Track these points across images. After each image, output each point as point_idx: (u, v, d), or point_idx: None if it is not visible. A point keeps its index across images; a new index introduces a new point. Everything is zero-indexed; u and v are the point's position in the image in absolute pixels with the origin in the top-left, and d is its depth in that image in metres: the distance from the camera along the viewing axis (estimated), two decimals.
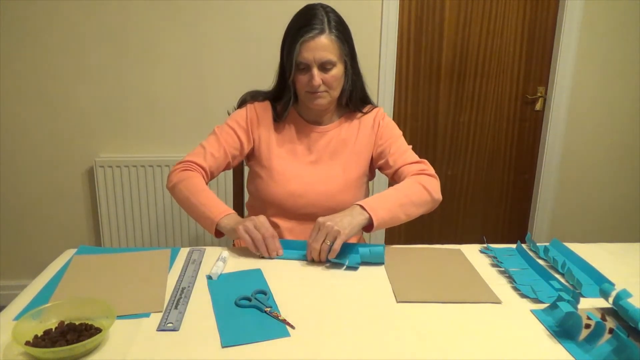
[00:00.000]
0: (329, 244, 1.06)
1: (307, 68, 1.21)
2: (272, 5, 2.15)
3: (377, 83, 2.33)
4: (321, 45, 1.19)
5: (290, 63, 1.21)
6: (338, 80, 1.25)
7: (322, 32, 1.19)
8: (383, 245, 1.12)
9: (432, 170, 1.29)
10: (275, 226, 1.31)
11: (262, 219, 1.13)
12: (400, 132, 1.38)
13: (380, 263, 1.10)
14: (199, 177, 1.26)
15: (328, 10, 1.23)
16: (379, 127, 1.36)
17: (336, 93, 1.27)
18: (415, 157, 1.32)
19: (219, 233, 1.17)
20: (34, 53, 2.10)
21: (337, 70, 1.23)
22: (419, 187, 1.23)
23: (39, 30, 2.08)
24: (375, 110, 1.38)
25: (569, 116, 2.50)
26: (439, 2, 2.34)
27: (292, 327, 0.84)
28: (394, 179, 1.33)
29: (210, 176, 1.31)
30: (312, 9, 1.22)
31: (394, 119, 2.43)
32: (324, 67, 1.21)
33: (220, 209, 1.17)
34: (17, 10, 2.04)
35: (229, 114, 1.41)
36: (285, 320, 0.86)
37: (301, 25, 1.20)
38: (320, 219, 1.09)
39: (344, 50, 1.23)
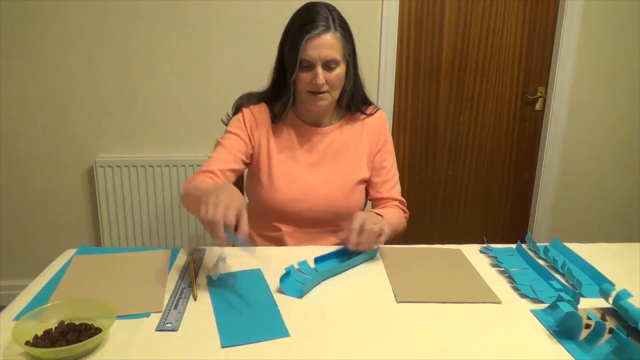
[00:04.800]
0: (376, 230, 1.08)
1: (310, 66, 1.17)
2: (275, 6, 2.15)
3: (377, 83, 2.32)
4: (327, 43, 1.15)
5: (293, 60, 1.17)
6: (340, 80, 1.22)
7: (327, 29, 1.15)
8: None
9: (407, 212, 1.38)
10: (276, 230, 1.29)
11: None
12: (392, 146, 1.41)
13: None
14: (207, 178, 1.20)
15: (330, 8, 1.20)
16: (383, 142, 1.35)
17: (337, 94, 1.24)
18: (400, 195, 1.38)
19: None
20: (34, 53, 2.10)
21: (341, 70, 1.20)
22: (402, 226, 1.33)
23: (39, 31, 2.08)
24: (378, 113, 1.36)
25: (569, 116, 2.50)
26: (439, 2, 2.34)
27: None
28: (373, 198, 1.37)
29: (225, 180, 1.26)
30: (314, 6, 1.19)
31: (393, 119, 2.45)
32: (328, 65, 1.17)
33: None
34: (18, 10, 2.04)
35: (223, 122, 1.36)
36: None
37: (306, 22, 1.16)
38: (360, 215, 1.09)
39: (348, 49, 1.20)
